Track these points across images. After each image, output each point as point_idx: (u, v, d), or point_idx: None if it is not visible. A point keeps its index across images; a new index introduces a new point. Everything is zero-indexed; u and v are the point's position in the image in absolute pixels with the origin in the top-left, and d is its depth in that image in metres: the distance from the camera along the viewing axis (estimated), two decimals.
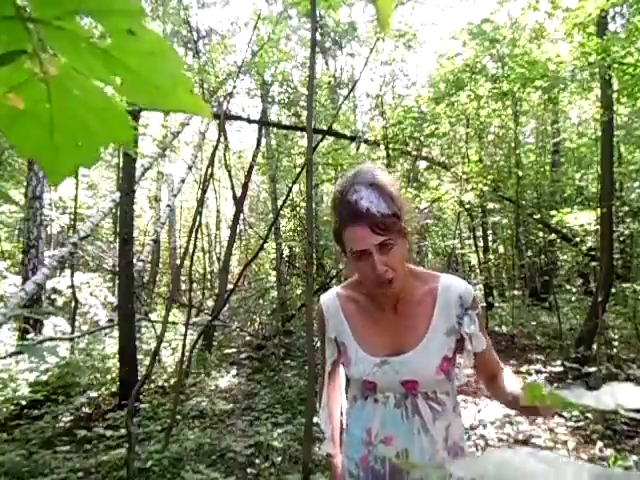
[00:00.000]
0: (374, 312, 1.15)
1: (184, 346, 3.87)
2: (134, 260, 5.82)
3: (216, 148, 5.06)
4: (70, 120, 0.43)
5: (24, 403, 4.55)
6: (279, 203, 8.46)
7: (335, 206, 1.06)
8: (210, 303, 10.58)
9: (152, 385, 5.21)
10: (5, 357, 5.57)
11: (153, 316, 8.06)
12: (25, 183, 7.54)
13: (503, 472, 0.27)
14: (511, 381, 1.11)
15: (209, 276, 14.05)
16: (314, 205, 7.85)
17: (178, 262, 10.88)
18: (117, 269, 5.84)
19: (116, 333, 5.31)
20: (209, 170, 5.01)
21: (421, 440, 1.06)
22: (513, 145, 8.98)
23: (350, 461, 1.14)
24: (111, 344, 6.12)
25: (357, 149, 9.98)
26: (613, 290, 6.48)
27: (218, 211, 12.52)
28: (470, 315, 1.09)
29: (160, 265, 14.49)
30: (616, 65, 5.03)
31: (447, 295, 1.10)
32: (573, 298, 9.28)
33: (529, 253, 9.90)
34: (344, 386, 1.33)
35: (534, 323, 8.12)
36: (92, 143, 0.44)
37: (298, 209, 9.00)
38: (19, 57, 0.39)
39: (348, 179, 1.06)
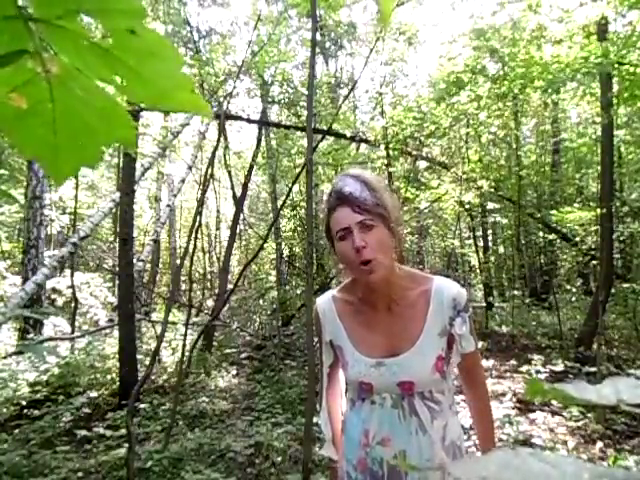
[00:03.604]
0: (369, 314, 1.16)
1: (184, 346, 3.87)
2: (134, 260, 5.82)
3: (216, 148, 5.05)
4: (73, 119, 0.43)
5: (24, 403, 4.55)
6: (279, 203, 8.46)
7: (326, 200, 1.13)
8: (210, 303, 10.59)
9: (152, 385, 5.21)
10: (5, 357, 5.57)
11: (153, 316, 8.06)
12: (25, 183, 7.54)
13: (505, 473, 0.27)
14: (482, 420, 1.21)
15: (209, 276, 14.06)
16: (314, 205, 7.85)
17: (178, 262, 10.88)
18: (117, 269, 5.84)
19: (116, 333, 5.31)
20: (209, 170, 5.01)
21: (419, 440, 1.06)
22: (514, 146, 8.98)
23: (348, 464, 1.15)
24: (111, 344, 6.12)
25: (357, 149, 9.99)
26: (613, 290, 6.48)
27: (218, 211, 12.52)
28: (463, 317, 1.11)
29: (160, 265, 14.49)
30: (616, 66, 5.03)
31: (440, 297, 1.11)
32: (573, 298, 9.29)
33: (529, 253, 9.90)
34: (344, 391, 1.34)
35: (534, 323, 8.11)
36: (95, 143, 0.44)
37: (298, 209, 9.00)
38: (21, 57, 0.39)
39: (341, 174, 1.15)
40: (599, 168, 6.82)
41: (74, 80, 0.42)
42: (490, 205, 8.53)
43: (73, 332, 6.24)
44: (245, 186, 7.41)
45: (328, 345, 1.22)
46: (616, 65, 5.01)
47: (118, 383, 4.70)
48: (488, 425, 1.20)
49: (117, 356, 4.80)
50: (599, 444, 3.38)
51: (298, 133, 8.22)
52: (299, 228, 9.31)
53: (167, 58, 0.42)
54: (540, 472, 0.27)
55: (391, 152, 7.91)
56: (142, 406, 4.36)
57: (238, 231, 9.99)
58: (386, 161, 8.13)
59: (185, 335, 4.05)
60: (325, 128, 7.27)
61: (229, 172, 7.94)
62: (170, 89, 0.43)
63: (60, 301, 7.79)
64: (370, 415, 1.11)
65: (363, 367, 1.11)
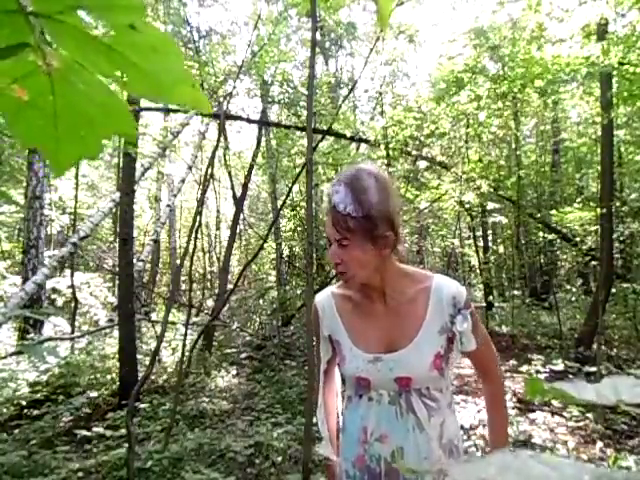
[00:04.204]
0: (368, 310, 1.17)
1: (184, 346, 3.87)
2: (134, 260, 5.82)
3: (216, 148, 5.05)
4: (73, 112, 0.43)
5: (24, 403, 4.55)
6: (279, 203, 8.46)
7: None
8: (210, 303, 10.58)
9: (152, 385, 5.20)
10: (5, 357, 5.57)
11: (153, 316, 8.06)
12: (25, 183, 7.54)
13: (505, 476, 0.27)
14: (492, 418, 1.20)
15: (209, 276, 14.06)
16: (314, 205, 7.85)
17: (178, 262, 10.88)
18: (117, 269, 5.84)
19: (116, 333, 5.31)
20: (209, 170, 5.01)
21: (416, 437, 1.07)
22: (514, 146, 8.99)
23: (347, 462, 1.15)
24: (111, 344, 6.12)
25: (357, 149, 9.99)
26: (613, 290, 6.48)
27: (218, 211, 12.52)
28: (463, 314, 1.11)
29: (160, 265, 14.49)
30: (616, 65, 5.04)
31: (440, 294, 1.12)
32: (573, 298, 9.29)
33: (529, 253, 9.90)
34: (340, 390, 1.34)
35: (534, 323, 8.12)
36: (95, 135, 0.44)
37: (298, 209, 9.00)
38: (22, 50, 0.39)
39: (340, 173, 1.13)
40: (599, 168, 6.82)
41: (75, 74, 0.42)
42: (490, 205, 8.53)
43: (73, 332, 6.24)
44: (245, 186, 7.41)
45: (326, 340, 1.22)
46: (616, 65, 5.02)
47: (118, 383, 4.70)
48: (499, 423, 1.20)
49: (117, 356, 4.79)
50: (599, 444, 3.38)
51: (298, 133, 8.22)
52: (299, 228, 9.31)
53: (168, 53, 0.42)
54: (540, 474, 0.27)
55: (391, 152, 7.91)
56: (142, 406, 4.36)
57: (238, 231, 9.99)
58: (386, 161, 8.13)
59: (185, 335, 4.04)
60: (325, 128, 7.27)
61: (229, 172, 7.94)
62: (171, 83, 0.43)
63: (60, 301, 7.79)
64: (368, 412, 1.11)
65: (360, 362, 1.12)
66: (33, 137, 0.45)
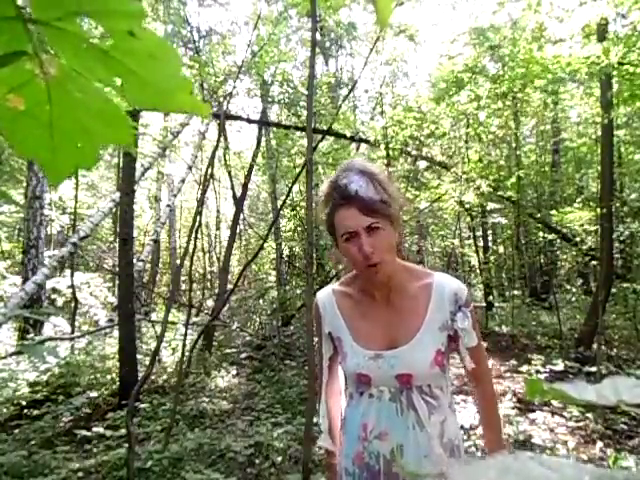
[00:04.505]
0: (369, 306, 1.16)
1: (184, 346, 3.87)
2: (134, 260, 5.82)
3: (216, 148, 5.05)
4: (70, 121, 0.43)
5: (24, 403, 4.55)
6: (279, 203, 8.46)
7: (327, 194, 1.11)
8: (210, 303, 10.58)
9: (152, 385, 5.20)
10: (5, 357, 5.57)
11: (153, 316, 8.06)
12: (25, 183, 7.54)
13: (505, 478, 0.27)
14: (486, 420, 1.21)
15: (209, 276, 14.05)
16: (314, 205, 7.82)
17: (178, 262, 10.87)
18: (117, 269, 5.84)
19: (116, 333, 5.31)
20: (209, 170, 5.01)
21: (416, 435, 1.06)
22: (514, 146, 8.99)
23: (347, 459, 1.15)
24: (111, 344, 6.12)
25: (357, 149, 9.98)
26: (613, 290, 6.48)
27: (218, 211, 12.52)
28: (464, 312, 1.12)
29: (160, 265, 14.49)
30: (616, 65, 5.04)
31: (442, 291, 1.12)
32: (573, 298, 9.28)
33: (529, 253, 9.90)
34: (342, 388, 1.34)
35: (534, 323, 8.11)
36: (92, 144, 0.44)
37: (298, 209, 9.00)
38: (20, 58, 0.39)
39: (339, 168, 1.12)
40: (599, 168, 6.82)
41: (72, 82, 0.42)
42: (490, 205, 8.53)
43: (73, 332, 6.24)
44: (245, 186, 7.41)
45: (327, 337, 1.22)
46: (616, 65, 5.02)
47: (118, 383, 4.70)
48: (495, 424, 1.20)
49: (117, 356, 4.79)
50: (599, 444, 3.38)
51: (298, 133, 8.22)
52: (299, 228, 9.30)
53: (166, 60, 0.42)
54: (540, 476, 0.27)
55: (391, 152, 7.92)
56: (142, 406, 4.36)
57: (238, 231, 9.99)
58: (386, 161, 8.13)
59: (185, 335, 4.05)
60: (325, 128, 7.27)
61: (229, 172, 7.94)
62: (169, 91, 0.43)
63: (60, 301, 7.79)
64: (368, 408, 1.11)
65: (361, 359, 1.12)
66: (29, 147, 0.44)
